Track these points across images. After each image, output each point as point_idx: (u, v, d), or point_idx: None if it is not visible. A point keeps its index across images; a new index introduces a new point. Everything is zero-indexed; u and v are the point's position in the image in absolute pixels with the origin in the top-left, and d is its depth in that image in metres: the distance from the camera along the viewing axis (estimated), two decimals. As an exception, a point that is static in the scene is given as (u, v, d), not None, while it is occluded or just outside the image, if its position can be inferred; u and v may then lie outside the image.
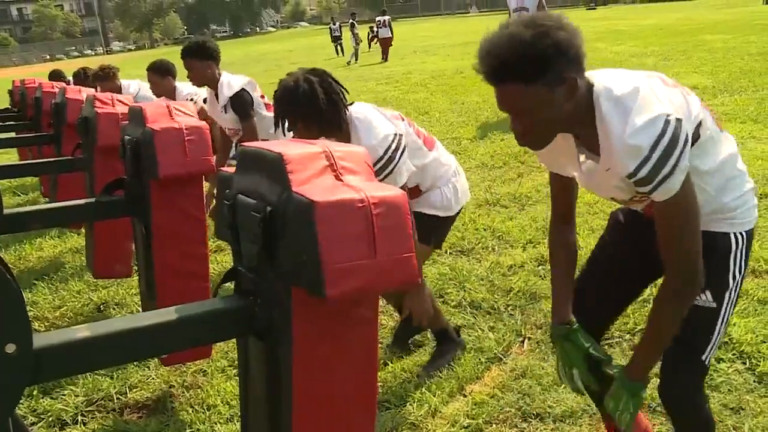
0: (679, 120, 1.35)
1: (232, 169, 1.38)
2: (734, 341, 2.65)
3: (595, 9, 44.17)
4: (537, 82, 1.34)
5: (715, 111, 1.62)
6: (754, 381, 2.43)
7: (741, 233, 1.61)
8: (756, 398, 2.33)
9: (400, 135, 2.35)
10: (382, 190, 1.14)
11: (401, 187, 2.18)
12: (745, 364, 2.53)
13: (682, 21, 21.50)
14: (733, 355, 2.58)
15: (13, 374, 1.10)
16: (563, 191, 1.76)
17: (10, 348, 1.09)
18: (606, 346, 2.73)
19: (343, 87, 2.41)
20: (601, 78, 1.45)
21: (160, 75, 4.54)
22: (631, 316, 2.85)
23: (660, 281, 1.56)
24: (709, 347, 1.62)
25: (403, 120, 2.51)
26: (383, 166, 2.26)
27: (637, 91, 1.39)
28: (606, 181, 1.52)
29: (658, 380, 1.71)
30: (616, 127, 1.37)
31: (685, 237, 1.44)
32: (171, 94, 4.52)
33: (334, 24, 22.98)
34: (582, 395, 1.87)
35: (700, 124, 1.49)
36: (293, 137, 3.77)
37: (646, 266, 1.76)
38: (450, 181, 2.66)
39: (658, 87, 1.45)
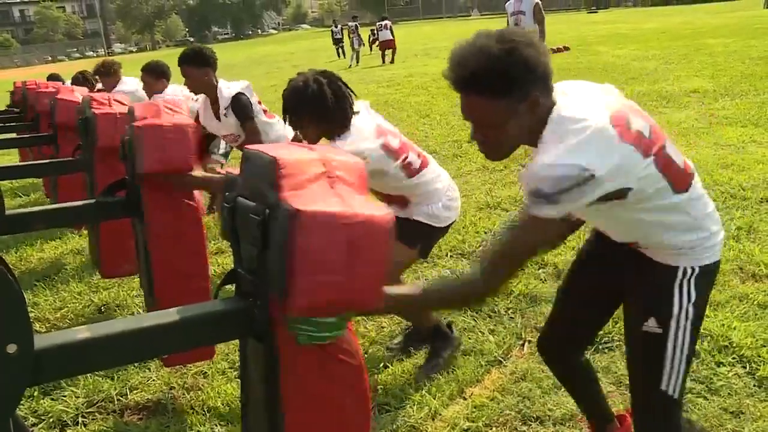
0: (593, 177, 1.34)
1: (236, 171, 1.39)
2: (734, 345, 2.65)
3: (596, 12, 44.18)
4: (502, 98, 1.37)
5: (685, 161, 1.58)
6: (754, 385, 2.43)
7: (692, 267, 1.59)
8: (756, 402, 2.33)
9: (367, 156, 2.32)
10: (371, 209, 1.13)
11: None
12: (745, 368, 2.53)
13: (684, 25, 21.50)
14: (733, 359, 2.58)
15: (14, 375, 1.10)
16: None
17: (11, 348, 1.09)
18: (605, 350, 2.74)
19: (351, 90, 2.45)
20: (567, 97, 1.46)
21: (154, 76, 4.56)
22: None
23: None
24: (666, 376, 1.60)
25: (384, 149, 2.45)
26: None
27: (584, 131, 1.37)
28: None
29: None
30: (545, 145, 1.40)
31: (517, 246, 1.44)
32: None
33: (336, 27, 22.99)
34: None
35: (628, 190, 1.45)
36: (291, 139, 3.80)
37: (613, 294, 1.82)
38: (441, 199, 2.65)
39: (606, 139, 1.40)
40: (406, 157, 2.52)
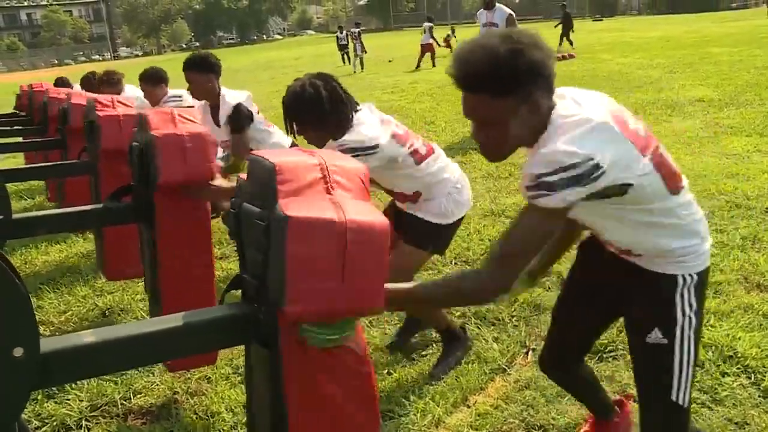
0: (598, 167, 1.35)
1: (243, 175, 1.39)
2: (739, 356, 2.64)
3: (601, 20, 44.25)
4: (505, 98, 1.37)
5: (672, 165, 1.58)
6: (759, 396, 2.42)
7: (690, 274, 1.60)
8: (761, 413, 2.32)
9: (377, 145, 2.39)
10: (365, 215, 1.13)
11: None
12: (750, 378, 2.52)
13: (688, 34, 21.51)
14: (738, 369, 2.57)
15: (20, 378, 1.10)
16: None
17: (18, 352, 1.10)
18: (610, 359, 2.73)
19: (347, 92, 2.47)
20: (565, 100, 1.47)
21: (153, 84, 4.58)
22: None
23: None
24: (676, 385, 1.61)
25: (394, 137, 2.50)
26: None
27: (586, 123, 1.39)
28: None
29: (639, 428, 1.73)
30: (546, 141, 1.40)
31: (523, 243, 1.42)
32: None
33: (341, 33, 23.03)
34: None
35: (630, 185, 1.45)
36: (292, 144, 3.81)
37: (609, 308, 1.83)
38: (450, 191, 2.67)
39: (612, 136, 1.41)
40: (413, 144, 2.57)
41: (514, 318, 3.16)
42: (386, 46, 25.30)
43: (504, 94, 1.37)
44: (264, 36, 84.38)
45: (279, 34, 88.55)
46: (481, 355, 2.84)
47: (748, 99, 8.43)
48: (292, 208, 1.09)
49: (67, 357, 1.18)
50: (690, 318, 1.59)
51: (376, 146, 2.38)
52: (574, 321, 1.94)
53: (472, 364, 2.77)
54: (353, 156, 2.29)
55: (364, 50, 20.48)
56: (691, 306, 1.59)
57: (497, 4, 7.75)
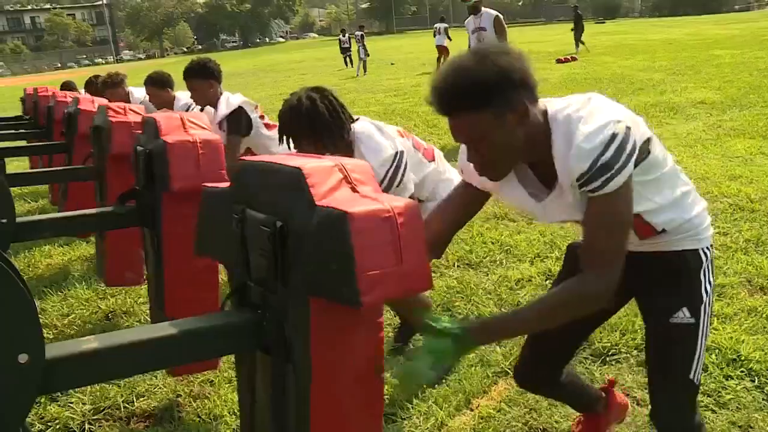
0: (628, 127, 1.39)
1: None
2: (743, 359, 2.64)
3: (603, 23, 44.26)
4: (485, 108, 1.36)
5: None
6: (763, 399, 2.42)
7: (706, 248, 1.64)
8: (765, 417, 2.32)
9: (401, 152, 2.42)
10: (399, 201, 1.17)
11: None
12: (753, 381, 2.52)
13: (691, 36, 21.50)
14: (742, 372, 2.57)
15: (24, 384, 1.11)
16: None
17: (23, 358, 1.10)
18: (613, 362, 2.73)
19: (343, 104, 2.47)
20: (554, 102, 1.48)
21: (159, 87, 4.58)
22: (639, 332, 2.84)
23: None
24: (695, 364, 1.63)
25: (402, 136, 2.57)
26: (387, 186, 2.35)
27: (588, 101, 1.43)
28: (562, 204, 1.52)
29: (650, 405, 1.72)
30: (567, 136, 1.40)
31: (615, 236, 1.42)
32: (170, 104, 4.56)
33: (344, 36, 23.07)
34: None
35: (649, 140, 1.50)
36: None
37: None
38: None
39: (607, 101, 1.48)
40: (419, 143, 2.63)
41: (517, 321, 3.16)
42: (389, 49, 25.35)
43: (482, 105, 1.35)
44: (267, 39, 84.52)
45: (282, 37, 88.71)
46: (484, 358, 2.84)
47: (751, 101, 8.43)
48: (344, 205, 1.12)
49: (72, 363, 1.18)
50: (710, 295, 1.64)
51: (401, 153, 2.41)
52: (560, 331, 1.90)
53: (475, 367, 2.77)
54: (389, 183, 2.36)
55: (367, 53, 20.49)
56: (710, 283, 1.64)
57: (483, 8, 7.65)
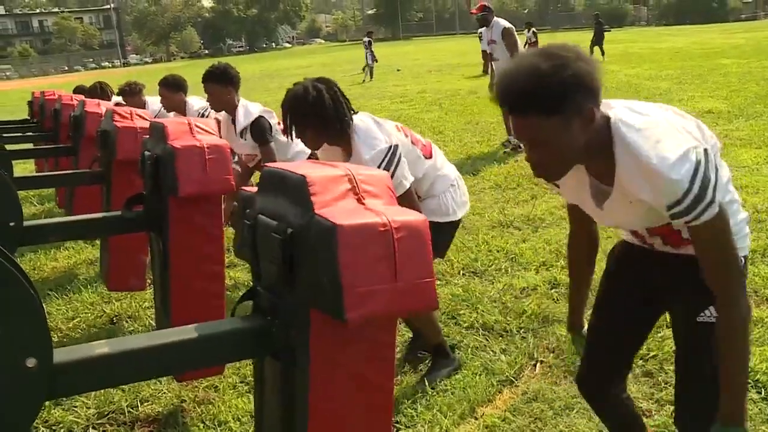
0: (706, 150, 1.38)
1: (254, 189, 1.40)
2: (749, 370, 2.62)
3: (609, 31, 44.21)
4: (556, 115, 1.34)
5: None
6: (770, 411, 2.40)
7: (742, 258, 1.60)
8: (771, 429, 2.31)
9: (395, 146, 2.46)
10: (404, 215, 1.15)
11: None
12: (760, 393, 2.50)
13: (697, 45, 21.50)
14: (749, 384, 2.55)
15: (32, 389, 1.11)
16: (577, 208, 1.76)
17: (31, 362, 1.10)
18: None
19: (346, 97, 2.54)
20: (616, 109, 1.46)
21: (173, 90, 4.63)
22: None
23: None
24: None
25: (400, 131, 2.62)
26: None
27: (658, 124, 1.41)
28: (622, 210, 1.52)
29: (673, 407, 1.70)
30: (647, 159, 1.37)
31: (730, 251, 1.45)
32: (181, 108, 4.61)
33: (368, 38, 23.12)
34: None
35: (716, 153, 1.51)
36: (308, 156, 3.85)
37: (652, 306, 1.81)
38: (448, 189, 2.76)
39: (673, 118, 1.47)
40: (417, 139, 2.69)
41: (522, 330, 3.15)
42: (395, 55, 25.39)
43: (554, 111, 1.34)
44: (273, 44, 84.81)
45: (288, 42, 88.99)
46: (489, 367, 2.84)
47: (758, 111, 8.41)
48: (337, 217, 1.10)
49: (80, 368, 1.18)
50: None
51: (396, 147, 2.45)
52: (619, 328, 1.87)
53: (480, 376, 2.76)
54: (385, 164, 2.40)
55: (375, 59, 20.50)
56: None
57: (494, 19, 7.45)
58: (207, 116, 4.37)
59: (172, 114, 4.67)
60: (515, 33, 7.40)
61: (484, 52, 18.42)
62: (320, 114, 2.40)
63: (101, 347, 1.21)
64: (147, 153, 2.32)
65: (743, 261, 1.63)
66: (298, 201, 1.18)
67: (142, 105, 5.17)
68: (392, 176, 2.40)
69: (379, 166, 2.36)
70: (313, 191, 1.16)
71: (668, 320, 2.99)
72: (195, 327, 1.26)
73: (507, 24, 7.40)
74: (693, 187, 1.34)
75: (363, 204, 1.19)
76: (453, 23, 69.03)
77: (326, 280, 1.08)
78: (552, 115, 1.34)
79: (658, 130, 1.39)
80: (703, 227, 1.40)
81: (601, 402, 1.96)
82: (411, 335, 3.06)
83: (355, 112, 2.54)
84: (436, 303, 1.17)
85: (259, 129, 3.68)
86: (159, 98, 4.79)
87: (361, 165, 2.02)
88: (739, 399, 1.51)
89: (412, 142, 2.65)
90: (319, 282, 1.11)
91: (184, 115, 4.54)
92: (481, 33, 7.71)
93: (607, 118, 1.43)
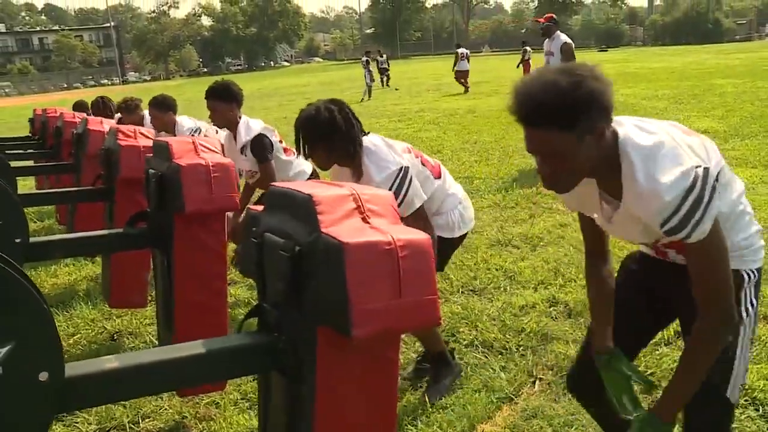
0: (706, 169, 1.41)
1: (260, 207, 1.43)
2: (746, 387, 2.64)
3: (606, 51, 44.63)
4: (570, 130, 1.38)
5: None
6: None
7: (750, 270, 1.65)
8: (769, 446, 2.32)
9: (406, 167, 2.50)
10: (408, 234, 1.18)
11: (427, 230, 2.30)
12: (758, 410, 2.52)
13: (693, 65, 21.68)
14: (746, 401, 2.58)
15: (44, 403, 1.13)
16: (590, 227, 1.80)
17: (43, 376, 1.12)
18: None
19: (358, 118, 2.58)
20: (626, 127, 1.50)
21: (162, 110, 4.68)
22: (641, 357, 2.85)
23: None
24: (731, 382, 1.64)
25: (410, 152, 2.67)
26: None
27: (663, 144, 1.45)
28: (629, 225, 1.56)
29: (683, 421, 1.72)
30: (645, 181, 1.42)
31: (719, 273, 1.48)
32: (171, 128, 4.66)
33: (381, 56, 23.59)
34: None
35: (721, 170, 1.54)
36: (310, 175, 3.90)
37: (659, 315, 1.84)
38: (456, 207, 2.82)
39: (680, 136, 1.51)
40: (426, 160, 2.75)
41: (521, 347, 3.17)
42: (393, 74, 25.52)
43: (569, 126, 1.38)
44: (271, 63, 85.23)
45: (286, 60, 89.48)
46: (489, 384, 2.85)
47: (753, 131, 8.49)
48: (344, 235, 1.13)
49: (90, 382, 1.21)
50: (751, 317, 1.65)
51: (406, 168, 2.49)
52: (620, 332, 1.87)
53: (480, 393, 2.78)
54: (396, 186, 2.43)
55: (372, 79, 20.67)
56: (752, 304, 1.65)
57: (557, 32, 7.53)
58: (205, 135, 4.42)
59: (162, 134, 4.70)
60: (574, 50, 7.49)
61: (459, 71, 18.72)
62: (332, 135, 2.44)
63: (111, 362, 1.24)
64: (151, 171, 2.36)
65: (757, 274, 1.66)
66: (305, 219, 1.21)
67: (140, 120, 5.19)
68: (404, 197, 2.45)
69: (390, 188, 2.40)
70: (320, 210, 1.19)
71: (666, 338, 3.03)
72: (202, 342, 1.29)
73: (568, 39, 7.52)
74: (682, 207, 1.39)
75: (368, 223, 1.22)
76: (451, 42, 69.40)
77: (333, 297, 1.11)
78: (565, 130, 1.38)
79: (662, 150, 1.43)
80: (696, 245, 1.44)
81: (587, 398, 2.02)
82: (413, 354, 3.07)
83: (366, 134, 2.58)
84: (439, 319, 1.20)
85: (259, 146, 3.70)
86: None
87: (369, 186, 2.05)
88: (680, 404, 1.58)
89: (422, 163, 2.70)
90: (325, 299, 1.13)
91: (174, 134, 4.59)
92: (544, 44, 7.61)
93: (617, 136, 1.48)
